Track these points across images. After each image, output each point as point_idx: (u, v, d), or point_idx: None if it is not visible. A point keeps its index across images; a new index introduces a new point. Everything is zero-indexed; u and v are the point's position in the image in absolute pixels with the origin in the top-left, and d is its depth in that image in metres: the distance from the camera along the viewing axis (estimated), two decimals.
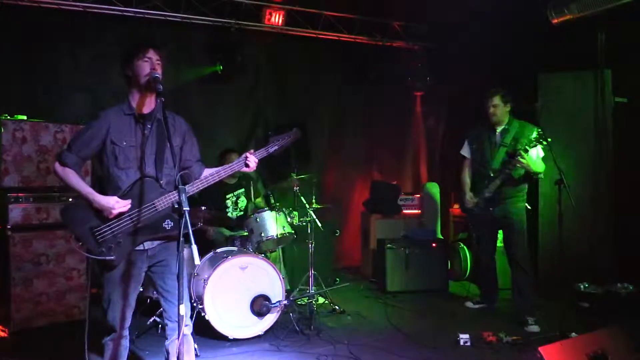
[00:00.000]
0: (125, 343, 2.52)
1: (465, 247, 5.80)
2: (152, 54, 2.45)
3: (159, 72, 2.43)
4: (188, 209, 2.08)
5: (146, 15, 5.40)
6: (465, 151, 4.63)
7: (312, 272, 4.50)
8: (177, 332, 2.45)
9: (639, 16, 4.35)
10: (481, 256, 4.74)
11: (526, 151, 4.01)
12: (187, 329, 2.53)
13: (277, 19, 5.94)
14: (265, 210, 4.34)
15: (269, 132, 3.40)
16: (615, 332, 2.86)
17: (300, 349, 3.69)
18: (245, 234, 4.42)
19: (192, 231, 2.05)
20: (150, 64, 2.43)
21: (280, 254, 5.08)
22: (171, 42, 5.73)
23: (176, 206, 2.15)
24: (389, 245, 5.38)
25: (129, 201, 2.38)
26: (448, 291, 5.43)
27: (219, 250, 4.19)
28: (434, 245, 5.52)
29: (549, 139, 3.94)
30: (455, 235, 6.28)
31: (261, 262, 3.98)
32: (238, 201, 5.00)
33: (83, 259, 4.26)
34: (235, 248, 4.28)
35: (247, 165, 2.63)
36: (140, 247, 2.45)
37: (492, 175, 4.29)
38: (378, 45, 6.72)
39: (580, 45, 5.02)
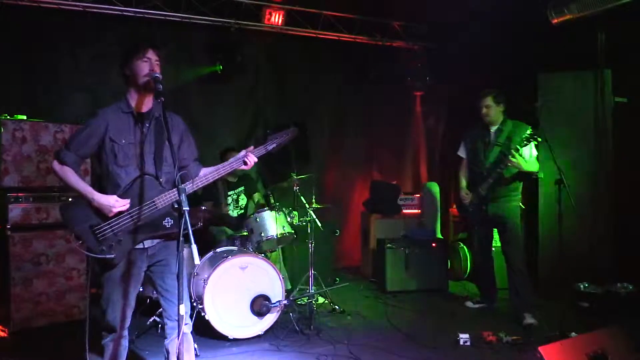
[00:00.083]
0: (125, 343, 2.52)
1: (465, 246, 5.80)
2: (151, 54, 2.45)
3: (158, 72, 2.43)
4: (188, 208, 2.08)
5: (146, 15, 5.41)
6: (461, 152, 4.69)
7: (312, 272, 4.50)
8: (176, 331, 2.45)
9: (639, 16, 4.35)
10: (476, 255, 4.76)
11: (517, 150, 4.05)
12: (187, 327, 2.53)
13: (277, 18, 5.94)
14: (265, 210, 4.34)
15: (268, 130, 3.41)
16: (615, 332, 2.86)
17: (300, 349, 3.69)
18: (246, 233, 4.42)
19: (192, 231, 2.04)
20: (149, 65, 2.44)
21: (280, 253, 5.08)
22: (171, 42, 5.73)
23: (176, 206, 2.15)
24: (388, 245, 5.38)
25: (128, 200, 2.38)
26: (448, 291, 5.43)
27: (218, 250, 4.20)
28: (433, 245, 5.52)
29: (540, 138, 3.97)
30: (455, 235, 6.29)
31: (261, 262, 3.98)
32: (239, 199, 5.01)
33: (83, 258, 4.26)
34: (235, 248, 4.28)
35: (245, 163, 2.63)
36: (140, 246, 2.45)
37: (485, 174, 4.33)
38: (378, 45, 6.72)
39: (580, 45, 5.02)
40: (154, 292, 2.63)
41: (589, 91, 5.04)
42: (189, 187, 2.51)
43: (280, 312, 3.99)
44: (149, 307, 4.07)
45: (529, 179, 4.47)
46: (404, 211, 6.33)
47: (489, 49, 5.77)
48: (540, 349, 2.52)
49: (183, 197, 2.10)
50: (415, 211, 6.44)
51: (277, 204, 4.55)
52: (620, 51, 4.83)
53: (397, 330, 4.15)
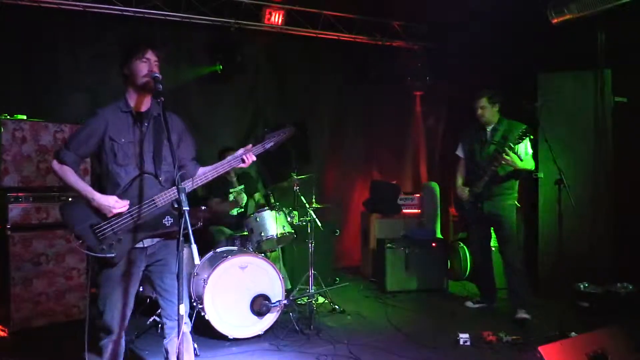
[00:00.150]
0: (123, 343, 2.51)
1: (465, 246, 5.80)
2: (150, 55, 2.46)
3: (157, 73, 2.43)
4: (188, 208, 2.08)
5: (146, 15, 5.40)
6: (459, 151, 4.74)
7: (312, 271, 4.50)
8: (175, 330, 2.46)
9: (639, 16, 4.35)
10: (474, 254, 4.79)
11: (510, 148, 4.09)
12: (186, 327, 2.53)
13: (277, 18, 5.94)
14: (265, 210, 4.34)
15: (265, 129, 3.43)
16: (615, 332, 2.86)
17: (300, 349, 3.69)
18: (245, 233, 4.42)
19: (192, 231, 2.05)
20: (148, 65, 2.44)
21: (280, 253, 5.08)
22: (171, 41, 5.73)
23: (176, 205, 2.15)
24: (388, 245, 5.38)
25: (127, 202, 2.38)
26: (448, 291, 5.43)
27: (218, 249, 4.20)
28: (433, 245, 5.52)
29: (532, 136, 4.05)
30: (455, 234, 6.29)
31: (261, 262, 3.98)
32: (241, 203, 5.01)
33: (83, 258, 4.26)
34: (235, 247, 4.28)
35: (243, 161, 2.63)
36: (140, 245, 2.45)
37: (481, 172, 4.37)
38: (378, 45, 6.71)
39: (580, 45, 5.02)
40: (154, 292, 2.62)
41: (588, 91, 5.04)
42: (189, 185, 2.52)
43: (280, 311, 3.99)
44: (148, 307, 4.07)
45: (525, 177, 4.49)
46: (404, 211, 6.33)
47: (489, 49, 5.77)
48: (540, 348, 2.52)
49: (183, 197, 2.10)
50: (415, 211, 6.44)
51: (277, 203, 4.55)
52: (620, 51, 4.83)
53: (397, 330, 4.15)
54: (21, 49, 5.01)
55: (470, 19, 5.75)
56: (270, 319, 3.93)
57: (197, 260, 2.07)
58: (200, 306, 3.77)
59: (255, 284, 3.90)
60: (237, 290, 3.86)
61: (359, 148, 7.07)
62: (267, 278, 3.96)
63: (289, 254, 5.39)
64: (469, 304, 4.80)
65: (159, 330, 3.90)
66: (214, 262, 3.90)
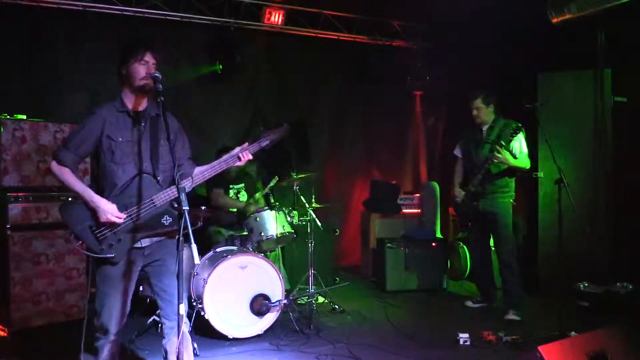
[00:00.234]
0: (116, 343, 2.52)
1: (464, 246, 5.79)
2: (149, 57, 2.46)
3: (157, 73, 2.43)
4: (188, 208, 2.08)
5: (145, 15, 5.40)
6: (457, 151, 4.79)
7: (311, 271, 4.50)
8: (174, 330, 2.46)
9: (639, 16, 4.35)
10: (472, 253, 4.81)
11: (502, 146, 4.14)
12: (185, 326, 2.52)
13: (276, 18, 5.94)
14: (265, 210, 4.34)
15: (261, 128, 3.44)
16: (615, 331, 2.85)
17: (300, 348, 3.68)
18: (245, 233, 4.42)
19: (192, 230, 2.05)
20: (146, 68, 2.45)
21: (280, 253, 5.08)
22: (170, 41, 5.73)
23: (176, 205, 2.15)
24: (388, 244, 5.38)
25: (125, 215, 2.37)
26: (448, 290, 5.43)
27: (218, 249, 4.20)
28: (433, 244, 5.52)
29: (524, 133, 4.15)
30: (455, 234, 6.28)
31: (261, 262, 3.98)
32: (239, 195, 5.01)
33: (83, 258, 4.26)
34: (235, 247, 4.28)
35: (239, 159, 2.62)
36: (138, 245, 2.45)
37: (475, 171, 4.41)
38: (378, 44, 6.71)
39: (580, 44, 5.02)
40: (152, 292, 2.62)
41: (588, 91, 5.04)
42: (189, 184, 2.52)
43: (280, 311, 3.99)
44: (148, 306, 4.06)
45: (525, 177, 4.50)
46: (404, 211, 6.33)
47: (489, 49, 5.76)
48: (540, 348, 2.52)
49: (183, 197, 2.10)
50: (415, 211, 6.44)
51: (277, 203, 4.55)
52: (620, 51, 4.83)
53: (397, 329, 4.14)
54: (21, 49, 5.01)
55: (470, 19, 5.74)
56: (270, 318, 3.93)
57: (197, 260, 2.07)
58: (200, 306, 3.77)
59: (255, 283, 3.90)
60: (237, 289, 3.86)
61: (359, 148, 7.07)
62: (267, 278, 3.96)
63: (289, 254, 5.39)
64: (469, 303, 4.80)
65: (159, 330, 3.89)
66: (214, 262, 3.90)
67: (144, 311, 4.06)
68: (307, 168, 5.36)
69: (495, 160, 4.22)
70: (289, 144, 5.97)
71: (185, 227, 2.03)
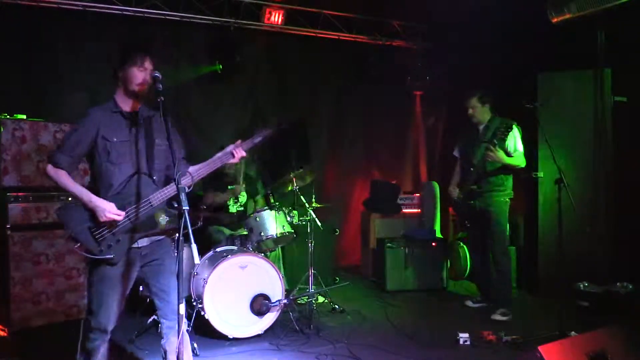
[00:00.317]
0: (109, 343, 2.53)
1: (464, 246, 5.79)
2: (148, 64, 2.46)
3: (157, 73, 2.44)
4: (188, 207, 2.08)
5: (145, 15, 5.40)
6: (456, 152, 4.83)
7: (311, 271, 4.50)
8: (172, 330, 2.47)
9: (639, 16, 4.34)
10: (472, 253, 4.83)
11: (494, 144, 4.16)
12: (184, 325, 2.53)
13: (276, 18, 5.94)
14: (265, 210, 4.34)
15: (254, 127, 3.50)
16: (615, 331, 2.85)
17: (300, 348, 3.69)
18: (245, 233, 4.42)
19: (192, 230, 2.05)
20: (144, 74, 2.45)
21: (280, 253, 5.08)
22: (170, 41, 5.73)
23: (176, 205, 2.16)
24: (388, 244, 5.38)
25: (123, 213, 2.38)
26: (448, 290, 5.43)
27: (218, 249, 4.20)
28: (433, 244, 5.52)
29: (518, 130, 4.21)
30: (455, 234, 6.28)
31: (261, 261, 3.98)
32: (238, 196, 5.00)
33: (82, 258, 4.24)
34: (235, 247, 4.28)
35: (232, 156, 2.63)
36: (136, 245, 2.46)
37: (472, 169, 4.44)
38: (378, 44, 6.71)
39: (580, 44, 5.02)
40: (149, 292, 2.62)
41: (588, 91, 5.03)
42: (188, 181, 2.51)
43: (280, 311, 3.99)
44: (148, 306, 4.06)
45: (525, 177, 4.52)
46: (404, 210, 6.33)
47: (489, 49, 5.76)
48: (540, 348, 2.52)
49: (183, 196, 2.10)
50: (415, 210, 6.44)
51: (277, 203, 4.55)
52: (620, 51, 4.82)
53: (397, 329, 4.15)
54: (21, 49, 5.00)
55: (470, 19, 5.74)
56: (270, 318, 3.93)
57: (197, 260, 2.07)
58: (200, 306, 3.77)
59: (255, 283, 3.90)
60: (237, 289, 3.86)
61: (359, 148, 7.07)
62: (267, 277, 3.96)
63: (289, 254, 5.39)
64: (469, 303, 4.81)
65: (159, 330, 3.89)
66: (214, 262, 3.90)
67: (144, 311, 4.06)
68: (307, 168, 5.36)
69: (489, 159, 4.24)
70: (289, 144, 5.98)
71: (185, 227, 2.03)
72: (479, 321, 4.26)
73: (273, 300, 3.90)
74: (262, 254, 4.16)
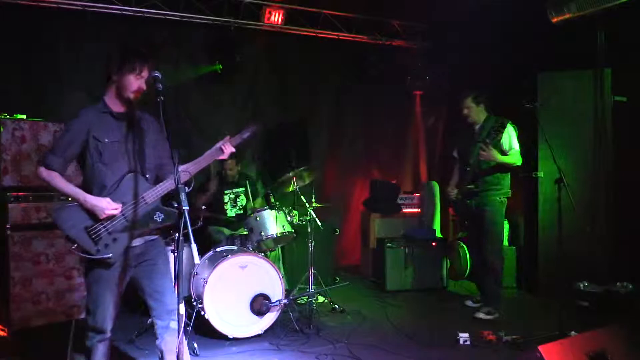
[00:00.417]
0: (110, 342, 2.53)
1: (464, 246, 5.78)
2: (145, 73, 2.45)
3: (157, 73, 2.43)
4: (188, 207, 2.08)
5: (145, 14, 5.40)
6: (455, 153, 4.83)
7: (311, 271, 4.50)
8: (168, 330, 2.49)
9: (639, 15, 4.34)
10: (472, 252, 4.83)
11: (487, 143, 4.17)
12: (174, 324, 2.51)
13: (276, 17, 5.94)
14: (265, 209, 4.34)
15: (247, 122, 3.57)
16: (615, 331, 2.85)
17: (300, 348, 3.69)
18: (245, 232, 4.42)
19: (192, 230, 2.05)
20: (139, 83, 2.45)
21: (280, 253, 5.08)
22: (170, 41, 5.73)
23: (174, 204, 2.15)
24: (388, 244, 5.38)
25: (120, 205, 2.38)
26: (447, 290, 5.44)
27: (218, 249, 4.20)
28: (433, 244, 5.53)
29: (513, 129, 4.21)
30: (455, 234, 6.28)
31: (261, 261, 3.98)
32: (237, 199, 5.01)
33: (81, 258, 4.25)
34: (235, 247, 4.28)
35: (221, 151, 2.62)
36: (131, 244, 2.46)
37: (468, 169, 4.45)
38: (378, 44, 6.71)
39: (580, 44, 5.02)
40: (142, 293, 2.60)
41: (588, 91, 5.04)
42: (185, 178, 2.50)
43: (280, 311, 3.99)
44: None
45: (514, 173, 4.53)
46: (404, 210, 6.33)
47: (488, 49, 5.76)
48: (539, 348, 2.52)
49: (183, 196, 2.10)
50: (415, 210, 6.44)
51: (277, 203, 4.55)
52: (620, 51, 4.83)
53: (397, 329, 4.15)
54: (21, 49, 5.00)
55: (470, 18, 5.74)
56: (270, 318, 3.93)
57: (197, 260, 2.07)
58: (200, 305, 3.77)
59: (255, 283, 3.90)
60: (237, 289, 3.86)
61: (359, 148, 7.07)
62: (267, 277, 3.96)
63: (288, 254, 5.39)
64: (469, 303, 4.81)
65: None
66: (214, 262, 3.90)
67: (143, 311, 4.06)
68: (307, 168, 5.36)
69: (482, 158, 4.24)
70: (289, 144, 5.98)
71: (185, 227, 2.03)
72: (479, 321, 4.26)
73: (273, 300, 3.90)
74: (262, 254, 4.16)
